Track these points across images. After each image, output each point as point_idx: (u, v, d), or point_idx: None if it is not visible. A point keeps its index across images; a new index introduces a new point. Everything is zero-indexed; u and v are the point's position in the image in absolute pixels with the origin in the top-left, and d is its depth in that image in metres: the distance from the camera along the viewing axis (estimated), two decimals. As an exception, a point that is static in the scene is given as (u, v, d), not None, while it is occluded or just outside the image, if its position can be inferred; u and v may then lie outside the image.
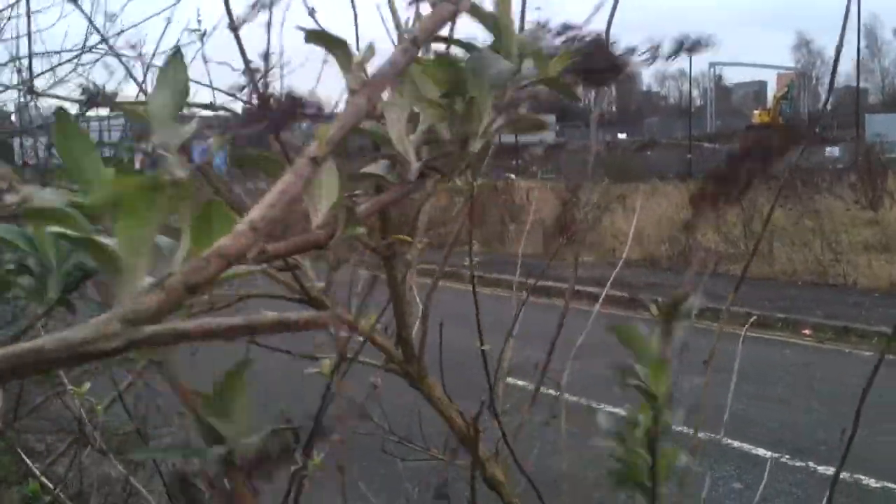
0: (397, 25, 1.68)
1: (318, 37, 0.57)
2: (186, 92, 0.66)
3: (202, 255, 0.39)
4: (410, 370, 1.77)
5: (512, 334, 1.90)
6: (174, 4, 3.17)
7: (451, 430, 1.80)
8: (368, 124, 0.60)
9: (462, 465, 1.69)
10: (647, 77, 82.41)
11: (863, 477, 5.45)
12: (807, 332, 10.29)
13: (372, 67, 0.52)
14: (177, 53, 0.68)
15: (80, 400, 2.26)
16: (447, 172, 0.60)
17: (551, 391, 1.94)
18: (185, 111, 0.67)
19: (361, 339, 1.65)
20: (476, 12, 0.59)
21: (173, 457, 1.22)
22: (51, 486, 2.20)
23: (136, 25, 3.61)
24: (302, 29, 0.58)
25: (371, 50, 0.57)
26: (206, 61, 2.21)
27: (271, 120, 1.03)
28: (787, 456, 6.01)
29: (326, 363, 1.53)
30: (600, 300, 1.95)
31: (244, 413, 0.72)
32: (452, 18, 0.52)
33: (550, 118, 49.15)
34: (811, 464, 5.88)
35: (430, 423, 2.12)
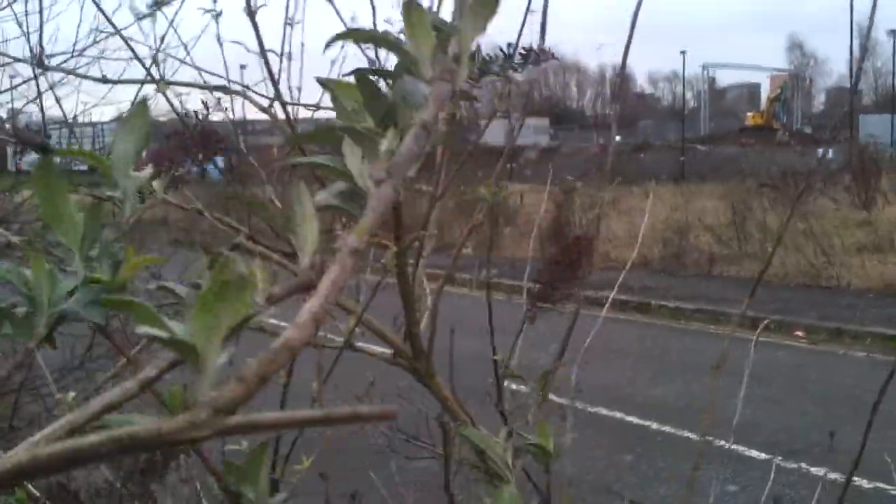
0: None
1: (345, 129, 0.61)
2: (147, 141, 0.74)
3: (274, 347, 0.43)
4: (419, 366, 1.78)
5: (518, 340, 1.91)
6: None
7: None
8: (324, 158, 0.65)
9: (469, 464, 1.70)
10: (641, 79, 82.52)
11: (855, 478, 5.48)
12: (800, 333, 10.32)
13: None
14: (142, 104, 0.76)
15: (68, 407, 2.26)
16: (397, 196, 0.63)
17: (554, 397, 1.96)
18: (199, 93, 0.71)
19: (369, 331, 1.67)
20: (389, 43, 0.61)
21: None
22: (37, 494, 2.21)
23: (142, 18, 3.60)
24: (334, 126, 0.63)
25: (396, 138, 0.60)
26: (220, 43, 2.21)
27: (191, 152, 1.07)
28: (780, 457, 6.04)
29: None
30: (606, 307, 1.97)
31: (266, 481, 0.86)
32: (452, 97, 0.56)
33: (544, 121, 49.20)
34: (804, 465, 5.91)
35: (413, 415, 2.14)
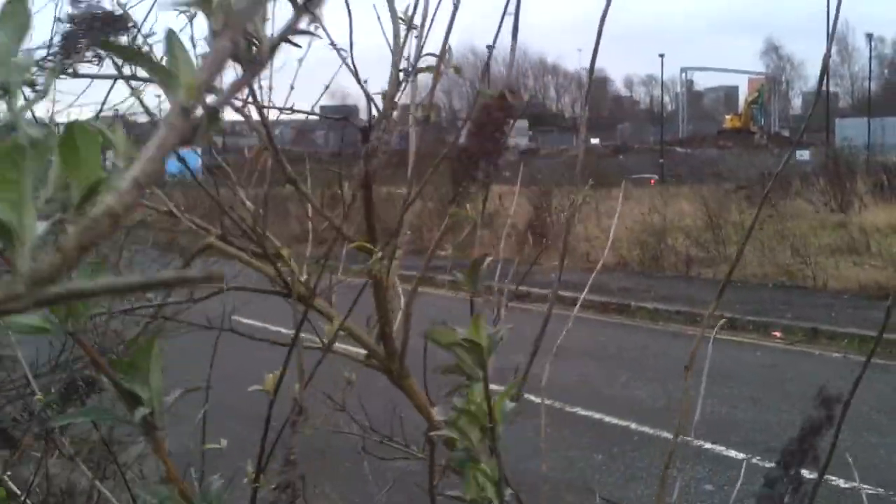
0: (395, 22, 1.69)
1: None
2: (27, 27, 0.66)
3: (93, 214, 0.41)
4: (392, 367, 1.77)
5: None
6: None
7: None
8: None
9: (444, 466, 1.70)
10: (619, 82, 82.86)
11: (832, 478, 5.52)
12: (777, 333, 10.40)
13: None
14: None
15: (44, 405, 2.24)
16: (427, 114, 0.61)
17: (530, 396, 1.96)
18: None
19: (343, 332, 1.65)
20: (152, 67, 0.58)
21: (99, 420, 1.22)
22: (18, 491, 2.19)
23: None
24: None
25: None
26: (193, 44, 2.19)
27: (90, 35, 1.04)
28: (758, 457, 6.08)
29: (270, 379, 1.53)
30: (578, 305, 1.96)
31: (159, 378, 0.80)
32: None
33: (523, 123, 49.31)
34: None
35: (408, 422, 2.13)
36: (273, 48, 0.56)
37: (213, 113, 0.51)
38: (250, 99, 1.53)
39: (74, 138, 0.53)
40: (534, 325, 2.11)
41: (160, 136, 0.43)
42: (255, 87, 1.77)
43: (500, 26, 1.66)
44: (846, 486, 5.46)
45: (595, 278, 2.30)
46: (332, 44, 1.86)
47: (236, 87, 0.55)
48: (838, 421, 1.15)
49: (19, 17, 0.67)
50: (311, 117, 2.55)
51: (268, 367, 1.79)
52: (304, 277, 1.69)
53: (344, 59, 1.82)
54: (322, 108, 2.57)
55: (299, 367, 1.50)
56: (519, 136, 44.78)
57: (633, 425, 7.16)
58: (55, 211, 0.56)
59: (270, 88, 2.03)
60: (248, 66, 0.56)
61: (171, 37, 0.53)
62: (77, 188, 0.53)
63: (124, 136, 0.57)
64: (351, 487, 2.31)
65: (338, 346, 1.65)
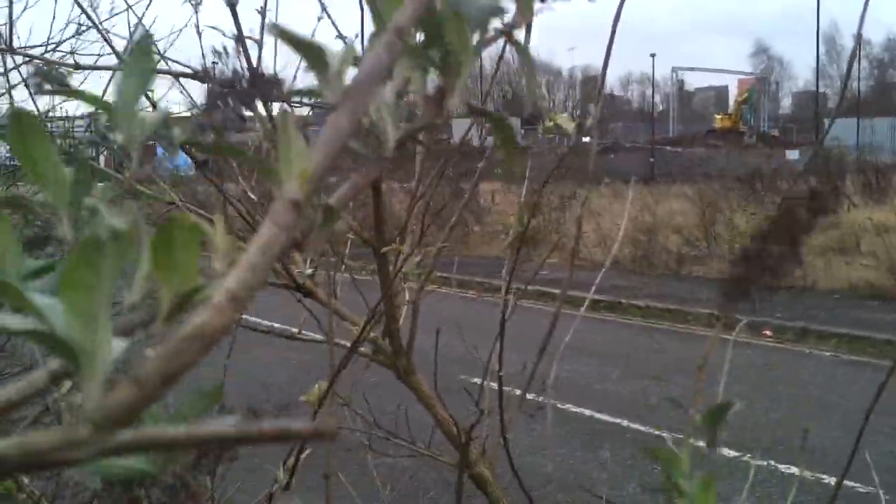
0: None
1: (285, 37, 0.47)
2: (151, 80, 0.60)
3: (179, 336, 0.33)
4: (398, 364, 1.77)
5: (501, 341, 1.90)
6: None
7: (437, 426, 1.80)
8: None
9: (450, 464, 1.70)
10: (611, 81, 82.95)
11: (823, 476, 5.54)
12: (767, 332, 10.43)
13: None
14: (146, 38, 0.63)
15: (59, 394, 2.23)
16: (426, 142, 0.55)
17: (531, 395, 1.96)
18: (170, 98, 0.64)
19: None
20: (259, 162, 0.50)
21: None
22: (26, 482, 2.17)
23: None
24: (274, 30, 0.47)
25: (351, 52, 0.46)
26: (199, 32, 2.18)
27: (235, 98, 0.97)
28: (748, 455, 6.09)
29: (315, 391, 1.52)
30: (584, 306, 1.96)
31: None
32: None
33: (515, 122, 49.34)
34: (772, 462, 5.97)
35: (413, 420, 2.13)
36: (400, 143, 0.47)
37: (330, 213, 0.42)
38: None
39: (170, 234, 0.42)
40: (529, 321, 2.11)
41: (265, 239, 0.35)
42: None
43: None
44: (864, 490, 5.48)
45: (586, 276, 2.30)
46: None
47: (356, 187, 0.46)
48: (860, 429, 1.14)
49: (146, 63, 0.59)
50: (315, 111, 2.54)
51: (262, 363, 1.78)
52: (309, 272, 1.68)
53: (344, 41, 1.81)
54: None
55: (331, 366, 1.49)
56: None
57: (625, 422, 7.17)
58: (139, 324, 0.46)
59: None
60: (371, 163, 0.46)
61: (283, 116, 0.43)
62: (167, 296, 0.43)
63: (226, 232, 0.48)
64: (361, 481, 2.30)
65: (340, 341, 1.65)
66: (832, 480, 5.46)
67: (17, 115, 0.55)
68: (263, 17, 1.83)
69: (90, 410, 0.33)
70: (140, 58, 0.60)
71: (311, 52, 0.46)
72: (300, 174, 0.37)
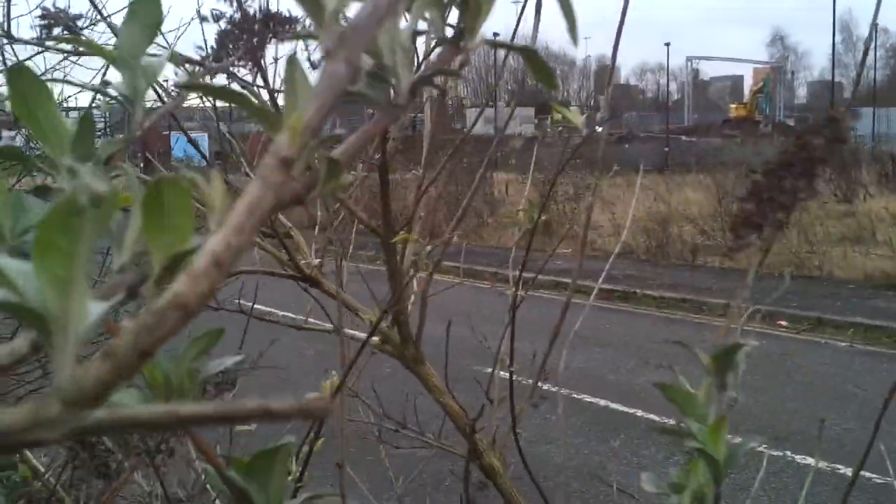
0: None
1: None
2: (158, 25, 0.58)
3: (156, 306, 0.30)
4: (406, 353, 1.76)
5: (512, 329, 1.90)
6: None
7: (447, 417, 1.80)
8: None
9: (459, 454, 1.70)
10: (626, 71, 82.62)
11: (840, 467, 5.52)
12: (783, 322, 10.38)
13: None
14: None
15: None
16: (443, 89, 0.51)
17: (541, 384, 1.96)
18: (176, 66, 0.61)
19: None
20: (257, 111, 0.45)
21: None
22: (42, 469, 2.19)
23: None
24: None
25: None
26: (201, 19, 2.18)
27: (248, 41, 0.90)
28: (764, 445, 6.07)
29: (326, 386, 1.52)
30: (593, 295, 1.96)
31: (281, 485, 0.63)
32: None
33: (529, 111, 49.18)
34: (788, 453, 5.95)
35: (422, 410, 2.13)
36: (415, 88, 0.43)
37: (334, 166, 0.39)
38: (260, 81, 1.52)
39: (162, 193, 0.40)
40: (540, 310, 2.11)
41: (252, 198, 0.32)
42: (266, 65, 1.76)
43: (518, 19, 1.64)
44: (881, 481, 5.46)
45: (600, 266, 2.29)
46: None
47: (366, 137, 0.42)
48: (876, 421, 1.13)
49: (152, 11, 0.57)
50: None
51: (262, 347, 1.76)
52: (315, 262, 1.68)
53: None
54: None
55: (341, 355, 1.48)
56: (525, 123, 44.70)
57: (640, 412, 7.15)
58: (126, 285, 0.44)
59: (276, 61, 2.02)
60: (385, 110, 0.42)
61: (291, 64, 0.40)
62: (159, 259, 0.40)
63: (224, 190, 0.44)
64: (375, 471, 2.30)
65: (349, 331, 1.64)
66: (848, 471, 5.44)
67: (16, 70, 0.53)
68: None
69: (61, 386, 0.30)
70: (145, 3, 0.58)
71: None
72: (291, 127, 0.33)
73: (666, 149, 34.12)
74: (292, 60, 0.40)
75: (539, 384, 1.81)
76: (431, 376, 1.77)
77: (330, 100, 0.34)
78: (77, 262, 0.33)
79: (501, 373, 1.89)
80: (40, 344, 0.40)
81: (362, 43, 0.34)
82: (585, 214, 1.70)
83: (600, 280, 2.06)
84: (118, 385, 0.30)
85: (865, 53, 1.51)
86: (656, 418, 6.91)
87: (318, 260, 1.73)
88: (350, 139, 0.41)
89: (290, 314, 2.77)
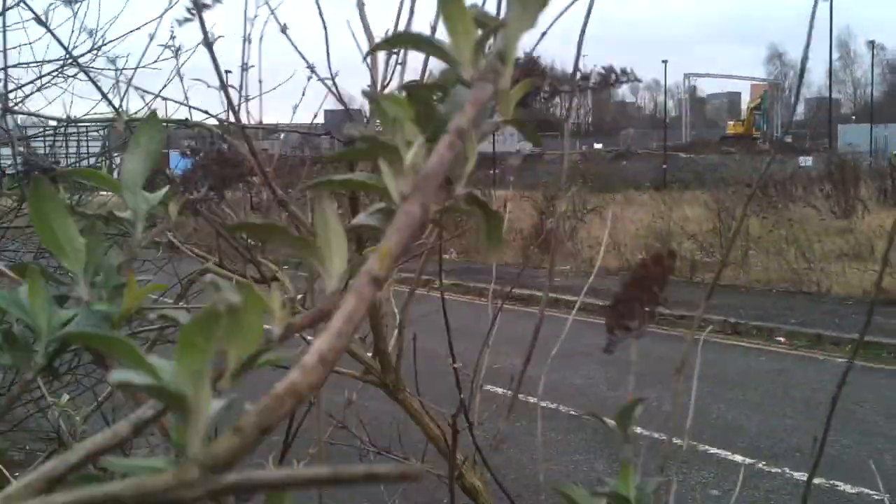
0: (370, 39, 1.70)
1: (366, 140, 0.54)
2: (159, 157, 0.68)
3: (275, 392, 0.38)
4: (388, 381, 1.81)
5: (488, 343, 1.92)
6: (157, 18, 3.18)
7: (429, 441, 1.83)
8: (363, 176, 0.56)
9: (440, 476, 1.72)
10: (623, 88, 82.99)
11: (838, 483, 5.52)
12: (781, 339, 10.38)
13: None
14: (153, 117, 0.70)
15: (59, 411, 2.25)
16: (438, 222, 0.58)
17: (530, 398, 1.97)
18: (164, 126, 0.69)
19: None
20: (429, 46, 0.54)
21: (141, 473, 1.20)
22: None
23: (114, 41, 3.65)
24: (351, 138, 0.54)
25: (420, 153, 0.52)
26: (181, 77, 2.23)
27: (214, 181, 0.98)
28: (763, 462, 6.07)
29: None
30: (575, 309, 1.97)
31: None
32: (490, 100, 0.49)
33: (532, 125, 49.45)
34: (787, 469, 5.94)
35: (407, 433, 2.14)
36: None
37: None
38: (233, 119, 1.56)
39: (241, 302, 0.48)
40: (521, 327, 2.12)
41: (349, 308, 0.39)
42: (241, 103, 1.81)
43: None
44: (853, 491, 5.46)
45: (599, 282, 2.30)
46: (309, 66, 1.87)
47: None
48: (826, 419, 1.15)
49: (151, 143, 0.67)
50: (315, 121, 2.57)
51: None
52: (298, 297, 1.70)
53: (325, 83, 1.85)
54: (325, 111, 2.61)
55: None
56: (522, 140, 44.85)
57: (639, 429, 7.14)
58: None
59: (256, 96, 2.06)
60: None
61: (319, 201, 0.50)
62: (234, 357, 0.48)
63: (282, 300, 0.53)
64: (370, 489, 2.32)
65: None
66: (847, 488, 5.44)
67: (36, 183, 0.62)
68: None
69: (196, 455, 0.38)
70: (146, 131, 0.67)
71: (387, 150, 0.52)
72: (380, 254, 0.42)
73: (664, 166, 34.24)
74: (319, 198, 0.52)
75: (539, 402, 1.82)
76: (412, 402, 1.82)
77: (408, 234, 0.43)
78: (208, 358, 0.42)
79: (491, 387, 1.91)
80: (139, 427, 0.50)
81: (433, 188, 0.44)
82: (571, 232, 1.71)
83: (583, 294, 2.08)
84: (244, 454, 0.37)
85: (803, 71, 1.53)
86: (656, 435, 6.90)
87: (299, 297, 1.75)
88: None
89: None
